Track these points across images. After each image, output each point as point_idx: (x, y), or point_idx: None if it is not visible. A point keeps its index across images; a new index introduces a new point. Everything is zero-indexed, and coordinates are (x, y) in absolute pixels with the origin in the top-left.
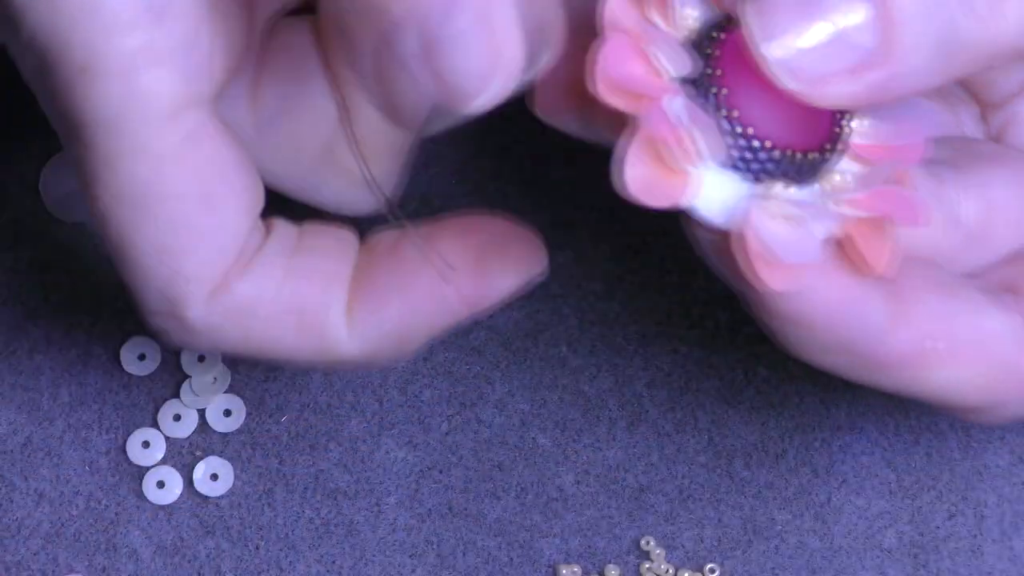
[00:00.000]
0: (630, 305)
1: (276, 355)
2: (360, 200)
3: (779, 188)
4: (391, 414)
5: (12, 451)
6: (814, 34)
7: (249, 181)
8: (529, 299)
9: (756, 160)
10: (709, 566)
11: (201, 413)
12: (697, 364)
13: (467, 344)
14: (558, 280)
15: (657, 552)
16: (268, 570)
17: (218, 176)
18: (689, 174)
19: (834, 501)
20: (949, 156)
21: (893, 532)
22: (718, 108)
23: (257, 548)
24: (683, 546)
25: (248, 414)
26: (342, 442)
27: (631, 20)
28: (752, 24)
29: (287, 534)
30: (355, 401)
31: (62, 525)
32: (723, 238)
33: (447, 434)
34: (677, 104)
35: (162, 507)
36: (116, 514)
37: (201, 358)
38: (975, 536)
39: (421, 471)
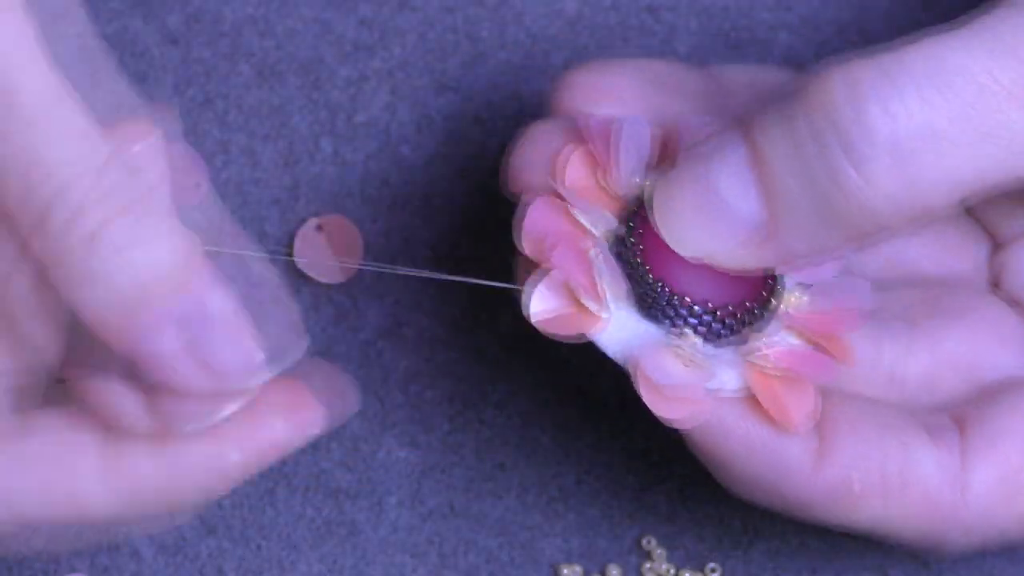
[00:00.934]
0: None
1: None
2: None
3: (690, 338)
4: (393, 414)
5: None
6: (706, 209)
7: None
8: None
9: (668, 310)
10: (710, 565)
11: None
12: None
13: (468, 344)
14: None
15: (658, 552)
16: (269, 569)
17: None
18: (593, 312)
19: None
20: (906, 309)
21: None
22: (635, 260)
23: (259, 548)
24: (684, 546)
25: None
26: (344, 442)
27: (579, 179)
28: (653, 196)
29: (288, 534)
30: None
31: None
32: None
33: (449, 434)
34: (591, 252)
35: None
36: None
37: None
38: None
39: (423, 471)
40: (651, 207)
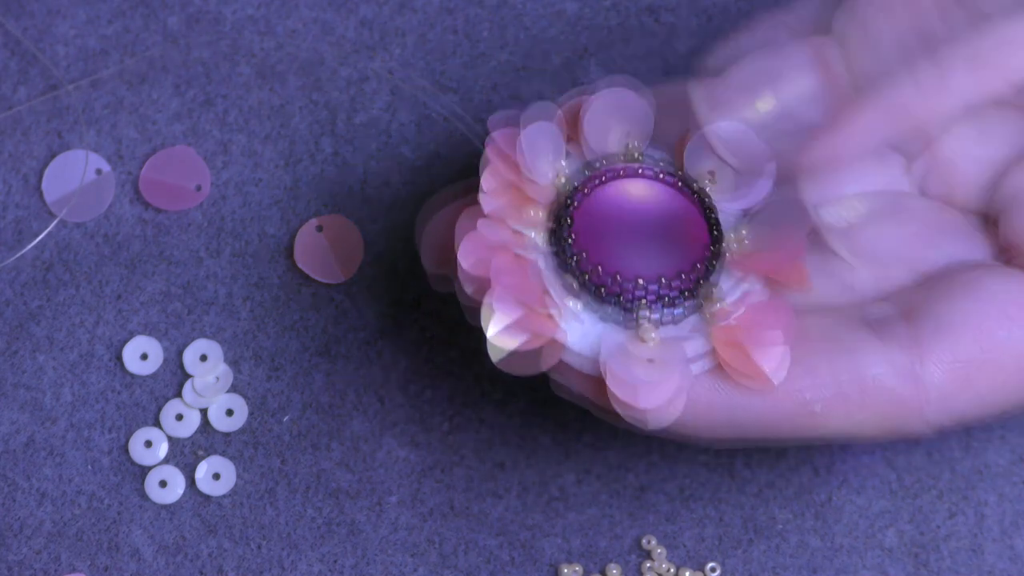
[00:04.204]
0: None
1: None
2: None
3: (646, 323)
4: (393, 413)
5: (15, 451)
6: (761, 110)
7: None
8: None
9: (615, 290)
10: (710, 565)
11: (203, 413)
12: None
13: (468, 344)
14: None
15: (658, 551)
16: (270, 569)
17: None
18: (555, 328)
19: (835, 500)
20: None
21: (894, 531)
22: (573, 254)
23: (259, 547)
24: (684, 545)
25: (250, 413)
26: (344, 441)
27: (499, 192)
28: (698, 104)
29: (289, 533)
30: (357, 401)
31: (64, 524)
32: (595, 382)
33: (448, 433)
34: (532, 268)
35: (164, 506)
36: (118, 513)
37: (204, 358)
38: (975, 535)
39: (423, 470)
40: (697, 113)
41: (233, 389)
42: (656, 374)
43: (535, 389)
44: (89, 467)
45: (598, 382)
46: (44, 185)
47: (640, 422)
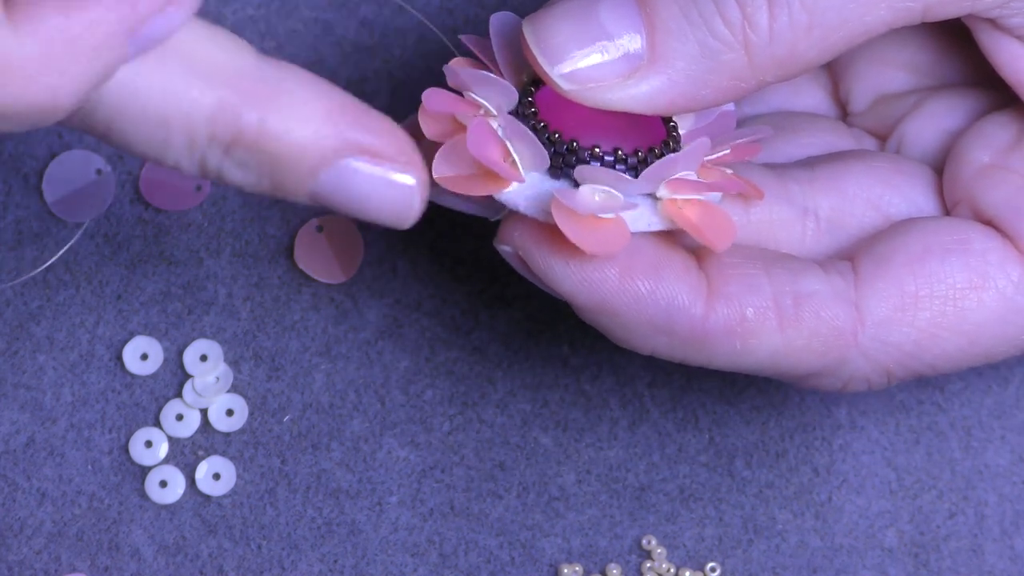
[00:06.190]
0: None
1: None
2: None
3: (597, 185)
4: (393, 414)
5: (15, 451)
6: (586, 35)
7: None
8: (530, 299)
9: (571, 158)
10: (710, 565)
11: (203, 413)
12: None
13: (469, 344)
14: None
15: (658, 551)
16: (270, 569)
17: None
18: (511, 170)
19: (835, 500)
20: (808, 160)
21: (894, 531)
22: (534, 119)
23: (259, 547)
24: (684, 545)
25: (250, 414)
26: (344, 442)
27: (468, 76)
28: (530, 42)
29: (289, 533)
30: (357, 401)
31: (65, 524)
32: (541, 227)
33: (449, 434)
34: (494, 123)
35: (164, 506)
36: (119, 513)
37: (204, 358)
38: (975, 535)
39: (423, 470)
40: (529, 52)
41: (233, 389)
42: (601, 210)
43: (536, 388)
44: (89, 467)
45: (544, 227)
46: (44, 185)
47: (577, 287)
